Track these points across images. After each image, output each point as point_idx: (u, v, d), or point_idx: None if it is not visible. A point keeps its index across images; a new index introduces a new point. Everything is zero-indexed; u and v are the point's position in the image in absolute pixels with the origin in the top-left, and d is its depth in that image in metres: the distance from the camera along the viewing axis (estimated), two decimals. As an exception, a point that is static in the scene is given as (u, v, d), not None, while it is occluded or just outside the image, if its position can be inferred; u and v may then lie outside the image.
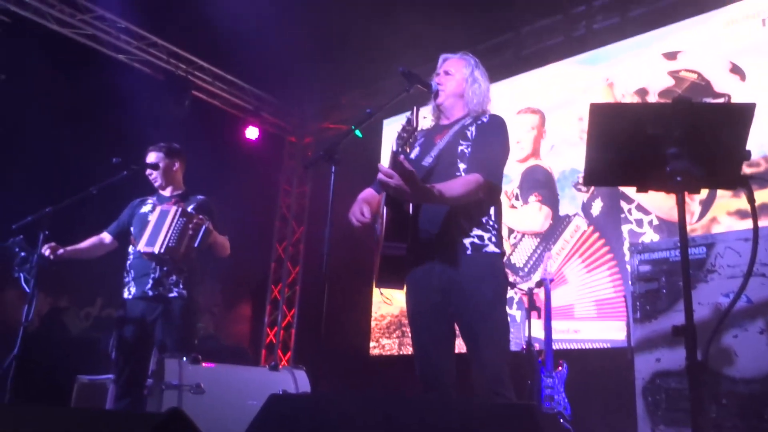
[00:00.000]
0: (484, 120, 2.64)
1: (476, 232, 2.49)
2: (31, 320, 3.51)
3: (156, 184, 3.85)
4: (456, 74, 2.73)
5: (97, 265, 4.20)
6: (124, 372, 3.48)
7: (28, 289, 3.44)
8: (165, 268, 3.56)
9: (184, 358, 3.02)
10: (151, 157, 3.83)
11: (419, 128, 2.45)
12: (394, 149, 2.34)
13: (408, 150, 2.60)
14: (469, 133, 2.60)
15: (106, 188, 3.73)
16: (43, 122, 5.50)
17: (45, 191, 4.01)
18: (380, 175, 2.25)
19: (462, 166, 2.53)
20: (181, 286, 3.56)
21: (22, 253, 3.54)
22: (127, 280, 3.65)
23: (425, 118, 2.91)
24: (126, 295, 3.62)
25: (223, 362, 3.48)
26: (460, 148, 2.56)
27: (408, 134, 2.38)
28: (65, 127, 5.58)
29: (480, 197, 2.46)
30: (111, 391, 4.34)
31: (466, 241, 2.47)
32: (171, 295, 3.53)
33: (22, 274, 3.52)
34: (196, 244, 3.44)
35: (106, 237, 3.87)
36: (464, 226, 2.49)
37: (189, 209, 3.62)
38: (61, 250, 3.57)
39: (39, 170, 5.49)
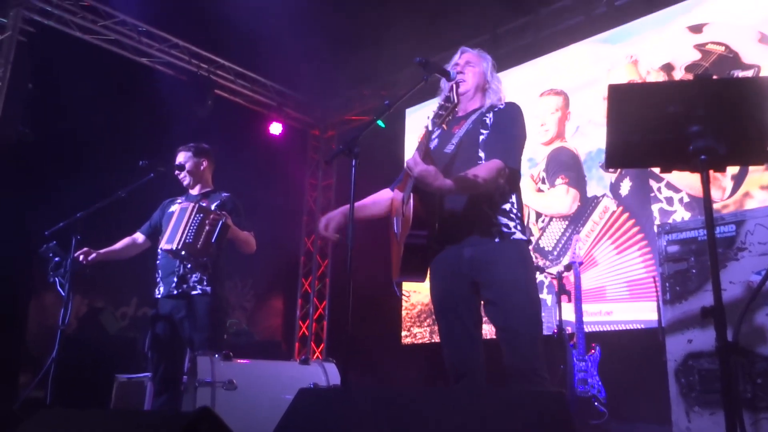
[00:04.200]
0: (501, 107, 2.65)
1: (501, 220, 2.50)
2: (69, 323, 3.60)
3: (184, 183, 3.91)
4: (477, 66, 2.74)
5: (131, 266, 4.29)
6: (159, 370, 3.54)
7: (63, 293, 3.52)
8: (189, 266, 3.60)
9: (216, 355, 3.06)
10: (180, 156, 3.90)
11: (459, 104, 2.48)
12: (429, 128, 2.37)
13: (445, 127, 2.61)
14: (487, 120, 2.61)
15: (135, 191, 3.80)
16: (69, 129, 5.60)
17: (75, 197, 4.09)
18: (408, 160, 2.30)
19: (482, 154, 2.54)
20: (205, 284, 3.59)
21: (56, 258, 3.62)
22: (157, 279, 3.72)
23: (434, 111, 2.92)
24: (157, 294, 3.69)
25: (256, 357, 3.52)
26: (480, 137, 2.57)
27: (446, 111, 2.37)
28: (91, 132, 5.68)
29: (501, 183, 2.46)
30: (149, 389, 4.43)
31: (493, 229, 2.48)
32: (194, 292, 3.57)
33: (57, 279, 3.60)
34: (213, 239, 3.47)
35: (138, 237, 3.95)
36: (489, 213, 2.50)
37: (213, 206, 3.66)
38: (93, 254, 3.64)
39: (67, 177, 5.59)
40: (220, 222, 3.48)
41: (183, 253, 3.50)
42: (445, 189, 2.31)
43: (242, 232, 3.70)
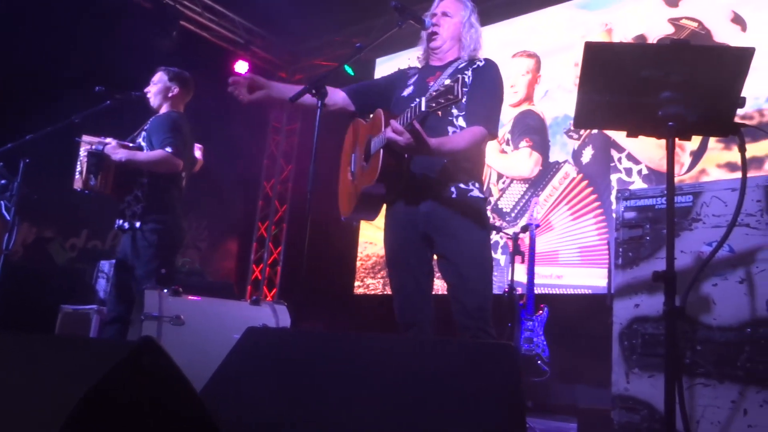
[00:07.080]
0: (480, 64, 2.59)
1: (462, 177, 2.51)
2: (14, 249, 3.48)
3: (151, 103, 3.70)
4: (454, 16, 2.67)
5: (82, 198, 4.15)
6: (111, 301, 3.48)
7: (8, 217, 3.40)
8: (128, 200, 3.48)
9: (165, 290, 3.01)
10: (156, 76, 3.73)
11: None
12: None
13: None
14: (466, 78, 2.53)
15: (90, 117, 3.65)
16: (27, 51, 5.34)
17: (27, 119, 3.92)
18: (389, 132, 2.22)
19: (455, 112, 2.50)
20: (136, 218, 3.43)
21: (3, 181, 3.48)
22: None
23: (418, 57, 2.85)
24: None
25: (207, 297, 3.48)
26: None
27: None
28: (49, 55, 5.42)
29: (482, 148, 2.53)
30: (95, 321, 4.36)
31: (452, 186, 2.49)
32: (127, 226, 3.44)
33: (2, 202, 3.47)
34: (90, 171, 3.39)
35: None
36: (451, 171, 2.50)
37: (146, 126, 3.57)
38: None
39: (21, 99, 5.36)
40: (88, 153, 3.40)
41: (86, 192, 3.48)
42: (424, 153, 2.29)
43: (142, 154, 3.46)
